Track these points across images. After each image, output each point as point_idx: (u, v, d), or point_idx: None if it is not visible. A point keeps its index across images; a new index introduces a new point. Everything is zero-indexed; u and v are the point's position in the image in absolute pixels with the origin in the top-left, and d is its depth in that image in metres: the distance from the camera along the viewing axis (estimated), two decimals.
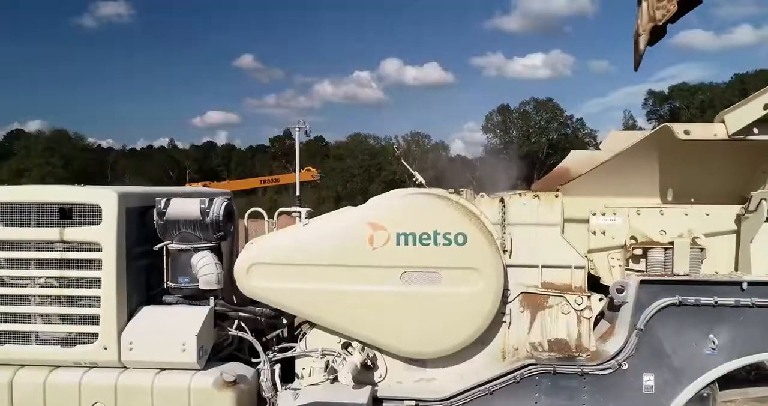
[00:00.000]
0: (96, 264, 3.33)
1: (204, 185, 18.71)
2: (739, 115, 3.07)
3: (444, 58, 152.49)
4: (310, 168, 24.48)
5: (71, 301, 3.39)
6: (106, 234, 3.31)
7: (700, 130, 3.14)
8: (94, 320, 3.35)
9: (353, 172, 73.23)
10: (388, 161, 77.29)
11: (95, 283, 3.34)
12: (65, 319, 3.40)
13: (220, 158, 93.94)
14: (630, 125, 71.45)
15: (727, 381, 3.87)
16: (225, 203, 3.63)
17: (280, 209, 4.74)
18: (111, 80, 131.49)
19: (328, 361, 3.58)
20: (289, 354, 3.73)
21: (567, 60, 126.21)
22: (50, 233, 3.33)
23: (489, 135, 78.87)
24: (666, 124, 3.20)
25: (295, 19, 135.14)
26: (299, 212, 4.37)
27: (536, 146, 73.28)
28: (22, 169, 64.71)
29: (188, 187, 4.73)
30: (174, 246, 3.56)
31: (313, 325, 3.72)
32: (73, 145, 71.23)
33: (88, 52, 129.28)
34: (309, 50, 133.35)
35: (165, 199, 3.54)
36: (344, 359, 3.56)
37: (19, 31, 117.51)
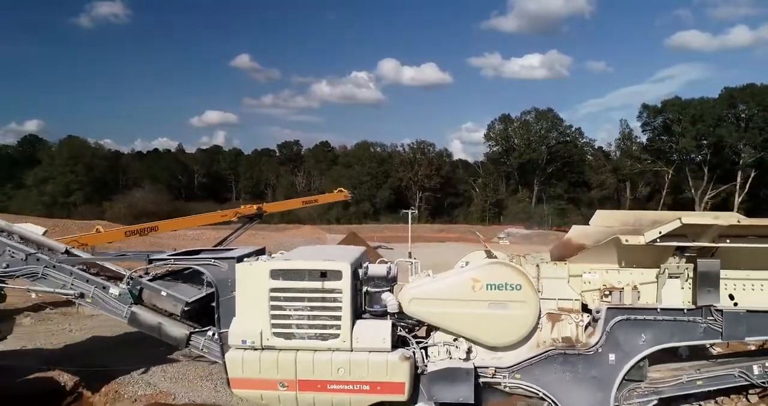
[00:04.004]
0: (339, 299, 6.73)
1: (258, 208, 22.14)
2: (650, 234, 6.50)
3: (441, 59, 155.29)
4: (342, 189, 27.83)
5: (326, 318, 6.79)
6: (344, 284, 6.71)
7: (634, 239, 6.59)
8: (338, 327, 6.75)
9: (362, 179, 75.93)
10: (395, 168, 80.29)
11: (339, 309, 6.74)
12: (323, 327, 6.79)
13: (228, 163, 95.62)
14: (626, 134, 75.01)
15: (661, 358, 7.31)
16: (396, 266, 7.08)
17: (398, 260, 8.25)
18: (108, 80, 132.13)
19: (447, 348, 7.02)
20: (425, 344, 7.13)
21: (564, 60, 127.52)
22: (316, 284, 6.74)
23: (491, 143, 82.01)
24: (616, 236, 6.65)
25: (292, 19, 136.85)
26: (411, 262, 7.92)
27: (536, 154, 76.80)
28: (47, 177, 68.17)
29: (355, 248, 8.16)
30: (371, 289, 6.99)
31: (436, 328, 7.12)
32: (94, 154, 74.52)
33: (83, 52, 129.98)
34: (306, 50, 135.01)
35: (366, 265, 7.00)
36: (457, 347, 7.00)
37: (15, 31, 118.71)
